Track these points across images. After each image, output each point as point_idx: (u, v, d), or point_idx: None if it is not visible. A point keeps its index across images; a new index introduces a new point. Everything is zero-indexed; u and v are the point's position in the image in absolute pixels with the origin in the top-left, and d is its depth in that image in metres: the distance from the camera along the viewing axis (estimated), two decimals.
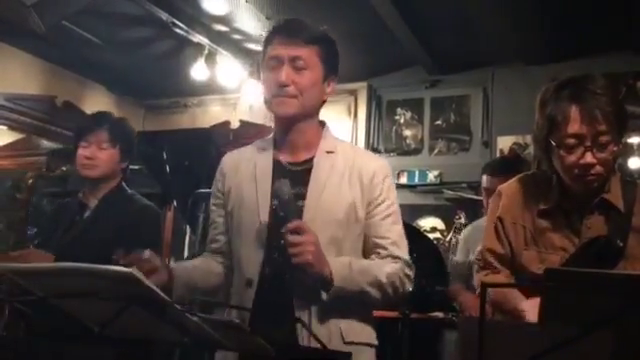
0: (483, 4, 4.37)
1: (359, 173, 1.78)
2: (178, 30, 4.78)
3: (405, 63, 5.52)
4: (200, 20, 4.87)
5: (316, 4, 4.46)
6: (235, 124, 6.02)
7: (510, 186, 1.98)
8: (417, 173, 5.53)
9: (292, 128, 1.79)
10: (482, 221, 2.96)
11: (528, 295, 1.75)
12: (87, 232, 2.44)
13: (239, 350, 1.43)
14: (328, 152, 1.81)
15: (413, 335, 3.15)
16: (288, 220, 1.59)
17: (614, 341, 0.96)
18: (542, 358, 0.91)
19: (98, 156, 2.46)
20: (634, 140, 4.71)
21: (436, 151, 5.63)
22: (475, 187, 5.27)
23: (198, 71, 5.29)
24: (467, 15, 4.58)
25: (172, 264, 1.81)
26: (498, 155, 5.23)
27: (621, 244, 1.75)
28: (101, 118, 2.56)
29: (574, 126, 1.70)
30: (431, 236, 5.17)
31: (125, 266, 1.57)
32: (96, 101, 6.03)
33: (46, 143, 5.55)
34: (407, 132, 5.76)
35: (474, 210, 5.14)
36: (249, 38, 5.12)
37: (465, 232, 3.58)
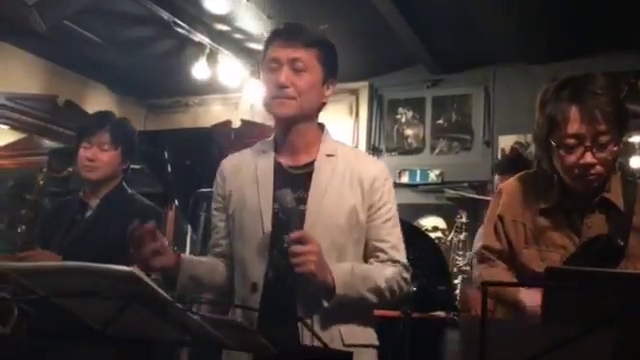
0: (484, 3, 4.37)
1: (359, 177, 1.78)
2: (179, 29, 4.78)
3: (406, 62, 5.51)
4: (201, 19, 4.87)
5: (317, 3, 4.46)
6: (237, 123, 6.02)
7: (511, 184, 1.98)
8: (418, 172, 5.53)
9: (291, 130, 1.80)
10: None
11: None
12: (89, 232, 2.44)
13: (241, 349, 1.43)
14: (328, 155, 1.81)
15: (414, 335, 3.15)
16: (290, 230, 1.60)
17: (616, 340, 0.96)
18: (544, 357, 0.91)
19: (99, 157, 2.47)
20: (636, 139, 4.70)
21: (437, 150, 5.62)
22: (476, 186, 5.28)
23: (199, 70, 5.29)
24: (468, 14, 4.57)
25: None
26: (499, 154, 5.24)
27: (622, 243, 1.75)
28: (103, 119, 2.56)
29: (574, 126, 1.70)
30: (432, 235, 5.17)
31: (137, 238, 1.60)
32: (97, 100, 6.03)
33: (48, 143, 5.55)
34: (408, 131, 5.76)
35: (475, 209, 5.15)
36: (250, 37, 5.12)
37: (480, 231, 3.59)
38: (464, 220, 5.29)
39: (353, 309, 1.72)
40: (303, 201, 1.74)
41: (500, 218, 1.92)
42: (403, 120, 5.80)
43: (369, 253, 1.80)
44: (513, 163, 3.14)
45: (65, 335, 1.27)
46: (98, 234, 2.40)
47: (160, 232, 1.68)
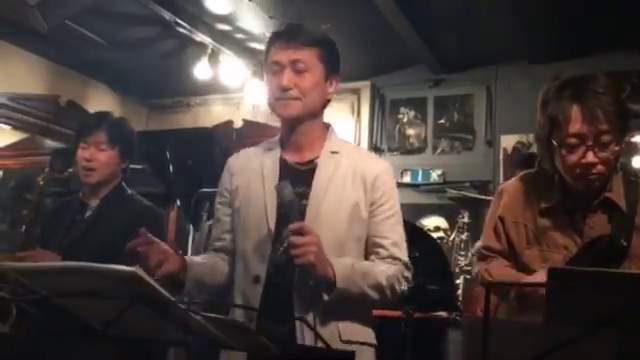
0: (486, 3, 4.37)
1: (362, 174, 1.80)
2: (181, 29, 4.78)
3: (408, 62, 5.51)
4: (203, 19, 4.87)
5: (319, 3, 4.46)
6: (238, 123, 6.03)
7: (512, 185, 1.98)
8: (420, 172, 5.53)
9: (296, 129, 1.83)
10: None
11: (531, 294, 1.76)
12: (88, 232, 2.44)
13: (242, 349, 1.43)
14: (332, 152, 1.84)
15: (416, 335, 3.14)
16: (290, 221, 1.61)
17: (618, 340, 0.95)
18: (546, 357, 0.91)
19: (97, 157, 2.46)
20: (638, 139, 4.69)
21: (439, 150, 5.62)
22: (478, 186, 5.28)
23: (201, 70, 5.29)
24: (470, 14, 4.57)
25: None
26: (501, 154, 5.24)
27: (624, 243, 1.75)
28: (100, 119, 2.56)
29: (575, 126, 1.70)
30: (434, 235, 5.17)
31: (137, 254, 1.61)
32: (99, 101, 6.03)
33: (50, 143, 5.56)
34: (410, 131, 5.76)
35: (477, 209, 5.14)
36: (252, 37, 5.12)
37: None
38: (466, 220, 5.29)
39: (352, 306, 1.72)
40: (305, 196, 1.76)
41: (501, 219, 1.92)
42: (405, 120, 5.80)
43: (370, 249, 1.81)
44: (523, 161, 3.15)
45: (66, 335, 1.27)
46: (97, 234, 2.40)
47: (156, 239, 1.67)
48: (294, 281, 1.69)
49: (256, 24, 4.86)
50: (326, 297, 1.64)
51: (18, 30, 4.61)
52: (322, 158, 1.82)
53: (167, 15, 4.57)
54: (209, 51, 5.18)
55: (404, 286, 1.79)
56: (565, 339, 0.90)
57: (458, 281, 5.00)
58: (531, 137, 4.89)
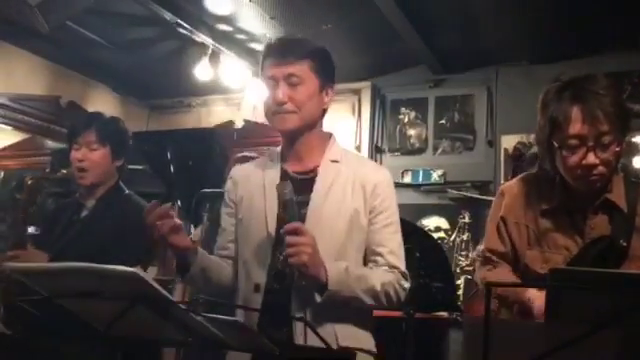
0: (487, 3, 4.37)
1: (362, 182, 1.82)
2: (182, 30, 4.78)
3: (409, 62, 5.51)
4: (204, 20, 4.87)
5: (320, 4, 4.46)
6: (239, 124, 6.03)
7: (512, 186, 1.98)
8: (421, 172, 5.52)
9: (296, 140, 1.86)
10: None
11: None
12: (84, 232, 2.45)
13: (242, 350, 1.43)
14: (332, 161, 1.86)
15: (417, 335, 3.14)
16: (288, 222, 1.63)
17: (619, 340, 0.96)
18: (547, 358, 0.91)
19: (89, 157, 2.47)
20: (639, 139, 4.69)
21: (440, 150, 5.62)
22: (479, 186, 5.27)
23: (202, 71, 5.29)
24: (471, 14, 4.57)
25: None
26: (502, 154, 5.23)
27: (624, 244, 1.75)
28: (89, 119, 2.57)
29: (576, 127, 1.70)
30: (435, 236, 5.17)
31: (155, 214, 1.64)
32: (100, 101, 6.04)
33: (50, 143, 5.56)
34: (411, 131, 5.75)
35: (478, 209, 5.14)
36: (253, 38, 5.12)
37: None
38: (467, 220, 5.29)
39: (349, 310, 1.73)
40: (306, 204, 1.77)
41: (503, 219, 1.92)
42: (406, 120, 5.79)
43: (367, 257, 1.82)
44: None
45: (66, 335, 1.27)
46: (93, 234, 2.41)
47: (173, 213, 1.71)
48: (292, 286, 1.70)
49: (257, 25, 4.86)
50: (318, 299, 1.65)
51: (19, 31, 4.61)
52: (322, 167, 1.84)
53: (168, 16, 4.57)
54: (210, 51, 5.18)
55: (402, 295, 1.79)
56: (565, 339, 0.90)
57: (459, 281, 5.00)
58: (532, 137, 4.88)
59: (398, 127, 5.81)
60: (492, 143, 5.34)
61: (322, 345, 1.55)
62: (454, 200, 5.33)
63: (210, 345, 1.32)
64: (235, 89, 5.68)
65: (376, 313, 1.91)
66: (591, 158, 1.70)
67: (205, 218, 3.35)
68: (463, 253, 5.25)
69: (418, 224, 5.12)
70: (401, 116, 5.81)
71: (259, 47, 5.18)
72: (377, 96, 5.86)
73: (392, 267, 1.79)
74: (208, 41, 5.04)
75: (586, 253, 1.77)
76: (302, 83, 1.78)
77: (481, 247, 2.04)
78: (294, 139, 1.85)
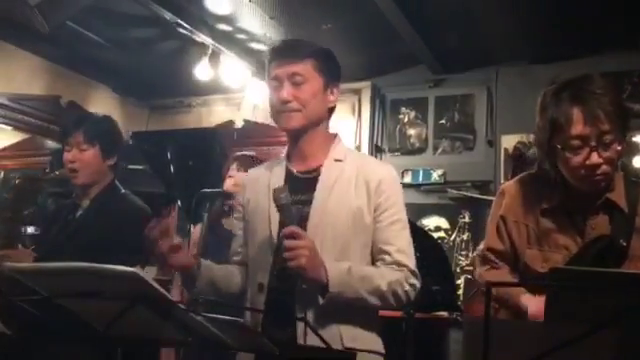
0: (487, 3, 4.37)
1: (366, 179, 1.81)
2: (182, 30, 4.78)
3: (409, 62, 5.51)
4: (204, 20, 4.87)
5: (320, 3, 4.46)
6: (239, 124, 6.03)
7: (513, 185, 1.98)
8: (421, 172, 5.52)
9: (300, 139, 1.87)
10: None
11: (533, 294, 1.76)
12: (77, 232, 2.46)
13: (243, 350, 1.43)
14: (336, 160, 1.86)
15: (417, 335, 3.15)
16: (286, 225, 1.63)
17: (619, 340, 0.95)
18: (547, 357, 0.91)
19: (79, 158, 2.48)
20: (639, 139, 4.69)
21: (440, 150, 5.62)
22: (479, 186, 5.27)
23: (202, 71, 5.29)
24: (471, 14, 4.57)
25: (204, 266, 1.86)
26: (502, 154, 5.23)
27: (624, 244, 1.75)
28: (77, 120, 2.58)
29: (578, 127, 1.70)
30: (435, 235, 5.17)
31: (154, 234, 1.64)
32: (100, 101, 6.04)
33: (50, 143, 5.56)
34: (411, 131, 5.75)
35: (478, 209, 5.14)
36: (253, 38, 5.12)
37: None
38: (467, 220, 5.29)
39: (354, 310, 1.72)
40: (309, 203, 1.78)
41: (502, 219, 1.92)
42: (406, 120, 5.79)
43: (375, 256, 1.80)
44: None
45: (67, 335, 1.27)
46: (86, 235, 2.41)
47: (171, 229, 1.72)
48: (294, 286, 1.70)
49: (257, 24, 4.86)
50: (321, 300, 1.65)
51: (19, 31, 4.61)
52: (325, 166, 1.85)
53: (168, 16, 4.57)
54: (210, 51, 5.18)
55: (412, 294, 1.76)
56: (565, 339, 0.90)
57: (459, 281, 5.00)
58: (532, 137, 4.88)
59: (398, 127, 5.81)
60: (492, 143, 5.34)
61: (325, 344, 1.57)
62: (454, 200, 5.33)
63: (210, 345, 1.32)
64: (235, 89, 5.68)
65: None
66: (594, 158, 1.70)
67: (205, 218, 3.35)
68: (463, 253, 5.25)
69: (418, 224, 5.12)
70: (401, 116, 5.81)
71: (259, 47, 5.18)
72: (377, 96, 5.86)
73: (400, 265, 1.76)
74: (208, 41, 5.04)
75: (586, 252, 1.78)
76: (306, 82, 1.80)
77: (481, 246, 2.04)
78: (299, 138, 1.86)
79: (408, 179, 5.49)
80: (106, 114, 2.70)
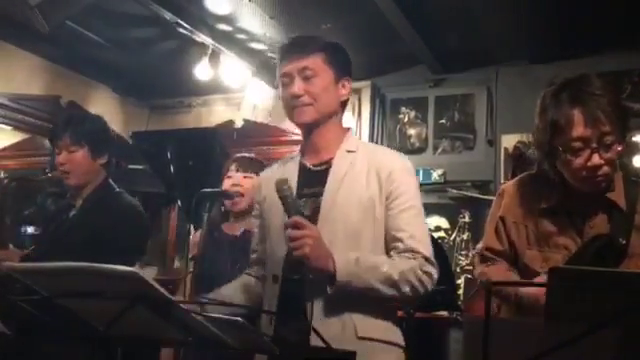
0: (487, 3, 4.37)
1: (377, 169, 1.81)
2: (182, 30, 4.78)
3: (409, 62, 5.51)
4: (204, 20, 4.87)
5: (319, 3, 4.46)
6: (239, 123, 6.02)
7: (512, 186, 1.98)
8: (421, 172, 5.52)
9: (313, 133, 1.88)
10: None
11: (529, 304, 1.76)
12: (70, 231, 2.47)
13: (243, 350, 1.43)
14: (348, 151, 1.87)
15: (417, 335, 3.14)
16: (290, 216, 1.66)
17: (619, 339, 0.95)
18: (547, 357, 0.91)
19: (69, 160, 2.49)
20: (639, 138, 4.69)
21: (440, 150, 5.62)
22: (479, 186, 5.27)
23: (202, 71, 5.29)
24: (471, 14, 4.57)
25: (213, 294, 1.93)
26: (502, 154, 5.23)
27: (623, 242, 1.75)
28: (64, 122, 2.58)
29: (578, 129, 1.70)
30: (435, 235, 5.17)
31: None
32: (100, 101, 6.04)
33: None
34: (411, 131, 5.75)
35: (478, 209, 5.14)
36: (253, 37, 5.12)
37: None
38: (467, 220, 5.29)
39: (368, 300, 1.71)
40: (320, 194, 1.80)
41: (502, 219, 1.93)
42: (406, 120, 5.79)
43: (388, 244, 1.78)
44: None
45: (67, 335, 1.27)
46: (79, 233, 2.42)
47: None
48: (305, 277, 1.71)
49: (257, 24, 4.86)
50: (329, 290, 1.65)
51: (19, 31, 4.61)
52: (337, 158, 1.86)
53: (168, 15, 4.57)
54: (210, 51, 5.18)
55: (428, 282, 1.73)
56: (565, 339, 0.90)
57: (459, 281, 5.01)
58: (531, 137, 4.88)
59: (398, 126, 5.81)
60: (492, 142, 5.34)
61: (339, 334, 1.61)
62: (454, 199, 5.33)
63: (210, 345, 1.32)
64: (235, 89, 5.68)
65: None
66: (596, 159, 1.71)
67: (205, 218, 3.35)
68: (463, 253, 5.25)
69: None
70: (401, 115, 5.81)
71: (259, 47, 5.19)
72: (377, 95, 5.86)
73: (414, 252, 1.73)
74: (208, 41, 5.04)
75: (585, 251, 1.78)
76: (316, 75, 1.81)
77: (480, 245, 2.05)
78: (312, 132, 1.88)
79: None
80: (95, 113, 2.71)
